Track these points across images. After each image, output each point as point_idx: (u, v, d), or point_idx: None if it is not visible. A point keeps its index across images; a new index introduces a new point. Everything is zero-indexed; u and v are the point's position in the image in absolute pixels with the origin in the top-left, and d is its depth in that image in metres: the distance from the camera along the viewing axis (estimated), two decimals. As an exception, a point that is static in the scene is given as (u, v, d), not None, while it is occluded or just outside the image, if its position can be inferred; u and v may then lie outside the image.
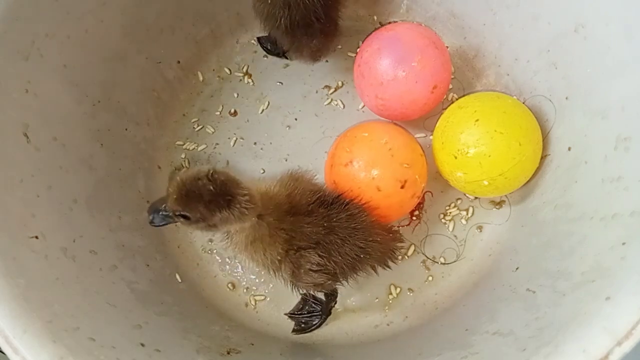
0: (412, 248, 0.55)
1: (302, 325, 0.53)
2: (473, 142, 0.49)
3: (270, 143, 0.59)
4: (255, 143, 0.60)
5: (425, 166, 0.52)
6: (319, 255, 0.43)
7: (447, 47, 0.56)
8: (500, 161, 0.48)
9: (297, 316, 0.53)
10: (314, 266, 0.44)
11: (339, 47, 0.60)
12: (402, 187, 0.49)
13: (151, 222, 0.42)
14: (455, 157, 0.50)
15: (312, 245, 0.43)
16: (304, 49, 0.53)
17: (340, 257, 0.44)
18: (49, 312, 0.36)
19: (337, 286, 0.48)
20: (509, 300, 0.45)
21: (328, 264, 0.44)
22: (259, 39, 0.62)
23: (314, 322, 0.53)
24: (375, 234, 0.46)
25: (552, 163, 0.50)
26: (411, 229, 0.56)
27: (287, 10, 0.48)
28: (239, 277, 0.56)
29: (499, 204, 0.56)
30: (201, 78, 0.62)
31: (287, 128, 0.60)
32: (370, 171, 0.49)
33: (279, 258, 0.43)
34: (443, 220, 0.56)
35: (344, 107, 0.60)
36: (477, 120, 0.49)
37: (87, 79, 0.49)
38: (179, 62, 0.60)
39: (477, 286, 0.52)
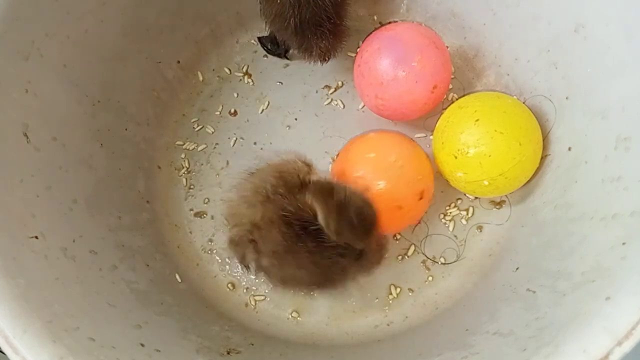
0: (412, 248, 0.55)
1: None
2: (473, 142, 0.48)
3: (270, 143, 0.59)
4: (255, 143, 0.60)
5: (431, 166, 0.52)
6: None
7: (447, 47, 0.56)
8: (501, 161, 0.48)
9: None
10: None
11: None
12: (421, 198, 0.49)
13: None
14: (456, 157, 0.50)
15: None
16: (313, 50, 0.52)
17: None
18: (49, 312, 0.36)
19: None
20: (509, 300, 0.45)
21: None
22: (259, 38, 0.62)
23: None
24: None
25: (552, 163, 0.50)
26: (411, 229, 0.56)
27: (297, 9, 0.48)
28: (239, 277, 0.56)
29: (499, 204, 0.56)
30: (201, 78, 0.62)
31: (287, 128, 0.60)
32: (389, 194, 0.48)
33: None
34: (443, 220, 0.56)
35: (344, 107, 0.60)
36: (477, 120, 0.49)
37: (87, 79, 0.49)
38: (178, 62, 0.60)
39: (477, 286, 0.52)
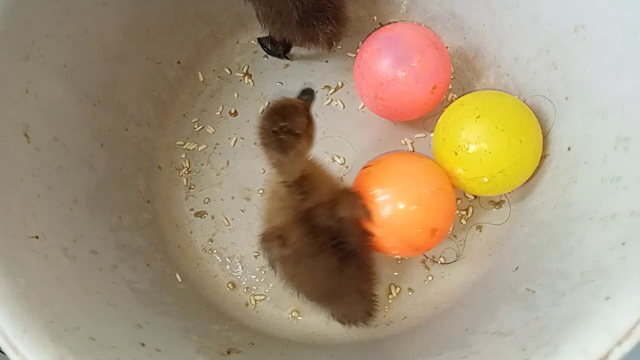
0: (412, 248, 0.55)
1: None
2: (474, 139, 0.48)
3: (271, 143, 0.59)
4: (255, 143, 0.59)
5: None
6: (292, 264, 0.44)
7: (447, 47, 0.56)
8: (501, 158, 0.48)
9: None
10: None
11: (339, 47, 0.60)
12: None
13: None
14: (456, 154, 0.50)
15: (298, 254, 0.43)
16: (319, 36, 0.53)
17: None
18: (49, 312, 0.36)
19: None
20: (508, 300, 0.45)
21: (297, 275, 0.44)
22: (259, 39, 0.62)
23: None
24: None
25: (552, 163, 0.50)
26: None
27: (299, 1, 0.49)
28: (239, 277, 0.56)
29: (498, 203, 0.56)
30: (201, 78, 0.62)
31: (287, 128, 0.60)
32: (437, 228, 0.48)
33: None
34: (443, 220, 0.56)
35: (344, 107, 0.60)
36: (478, 117, 0.49)
37: (87, 79, 0.50)
38: (179, 62, 0.61)
39: (476, 286, 0.52)
